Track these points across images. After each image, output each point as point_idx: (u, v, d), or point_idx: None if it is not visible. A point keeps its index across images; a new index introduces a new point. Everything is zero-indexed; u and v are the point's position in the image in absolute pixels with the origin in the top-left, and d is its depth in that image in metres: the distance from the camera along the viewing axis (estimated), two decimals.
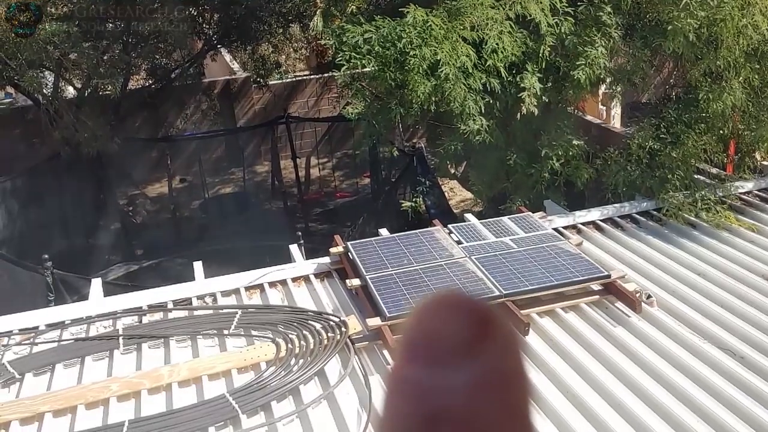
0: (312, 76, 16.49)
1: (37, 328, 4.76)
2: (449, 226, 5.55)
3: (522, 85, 6.15)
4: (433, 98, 6.12)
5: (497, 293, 4.46)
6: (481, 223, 5.62)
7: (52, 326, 4.77)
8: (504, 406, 0.43)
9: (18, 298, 6.60)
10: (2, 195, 10.02)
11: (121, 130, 11.59)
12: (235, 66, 15.82)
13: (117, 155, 11.28)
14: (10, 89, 12.71)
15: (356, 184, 14.08)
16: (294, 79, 16.33)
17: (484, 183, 7.49)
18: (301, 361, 4.09)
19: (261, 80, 13.96)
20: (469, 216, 6.04)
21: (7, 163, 11.36)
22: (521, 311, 4.32)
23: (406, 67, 6.02)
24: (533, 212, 5.80)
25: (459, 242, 5.24)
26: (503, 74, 6.12)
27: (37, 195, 10.51)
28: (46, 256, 7.16)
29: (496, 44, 6.06)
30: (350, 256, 5.14)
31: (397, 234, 5.48)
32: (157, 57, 11.83)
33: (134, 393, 3.96)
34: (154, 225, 12.56)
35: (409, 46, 5.99)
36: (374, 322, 4.28)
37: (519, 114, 6.92)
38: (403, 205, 7.74)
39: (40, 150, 12.00)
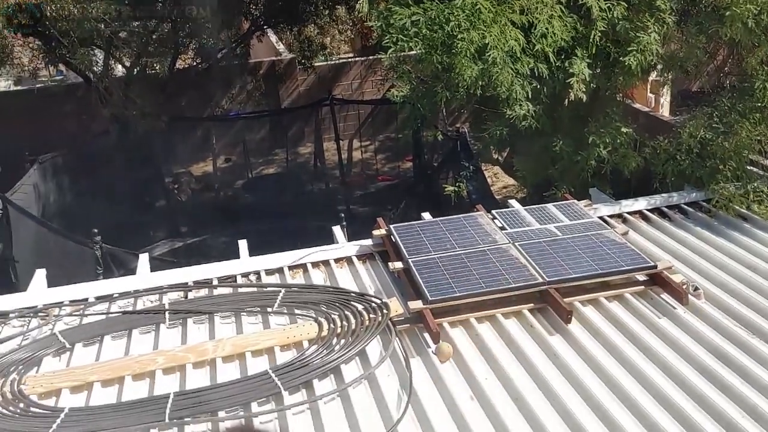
0: (357, 59, 16.48)
1: (86, 300, 4.89)
2: (493, 211, 5.51)
3: (571, 70, 6.04)
4: (480, 82, 6.06)
5: (540, 280, 4.42)
6: (525, 209, 5.57)
7: (100, 299, 4.89)
8: None
9: (68, 271, 6.78)
10: (53, 170, 10.28)
11: (168, 108, 11.76)
12: (281, 47, 15.90)
13: (164, 133, 11.46)
14: (61, 67, 12.98)
15: (398, 167, 14.08)
16: (338, 61, 16.37)
17: (529, 169, 7.42)
18: (342, 341, 4.12)
19: (306, 62, 14.01)
20: (512, 202, 5.99)
21: (58, 140, 11.63)
22: (564, 299, 4.28)
23: (454, 51, 5.96)
24: (578, 200, 5.72)
25: (502, 228, 5.20)
26: (552, 59, 6.02)
27: (86, 171, 10.74)
28: (96, 230, 7.34)
29: (546, 28, 5.97)
30: (393, 238, 5.15)
31: (440, 218, 5.47)
32: (205, 37, 11.95)
33: (179, 366, 4.05)
34: (198, 203, 12.75)
35: (457, 30, 5.93)
36: (416, 305, 4.29)
37: (567, 100, 6.82)
38: (446, 189, 7.71)
39: (90, 127, 12.26)
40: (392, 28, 6.19)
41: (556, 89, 6.40)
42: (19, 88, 13.55)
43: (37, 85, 13.91)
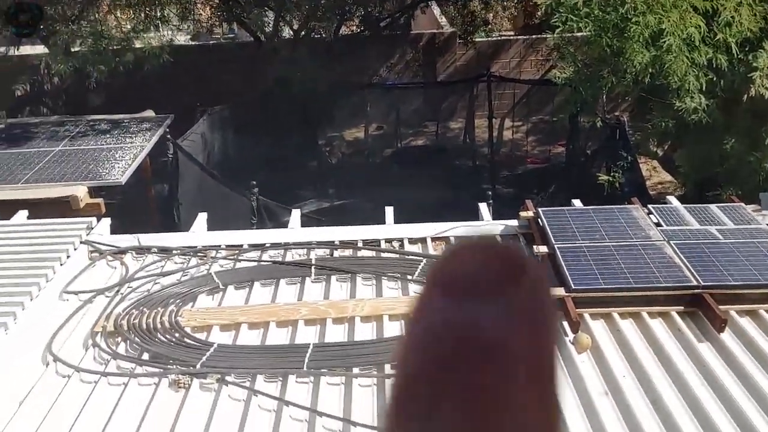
0: (518, 37, 16.13)
1: (241, 246, 5.20)
2: (649, 206, 5.26)
3: (755, 64, 5.61)
4: (650, 70, 5.78)
5: (694, 283, 4.19)
6: (684, 207, 5.28)
7: (253, 246, 5.18)
8: (532, 344, 0.43)
9: (225, 217, 7.24)
10: (220, 123, 10.94)
11: (328, 73, 12.12)
12: (443, 20, 15.86)
13: (322, 97, 11.84)
14: (234, 25, 13.70)
15: (548, 151, 13.72)
16: (499, 38, 16.09)
17: (692, 166, 7.01)
18: None
19: (466, 36, 13.90)
20: (671, 198, 5.69)
21: (226, 94, 12.32)
22: (719, 306, 4.04)
23: (626, 34, 5.71)
24: (746, 204, 5.33)
25: (658, 224, 4.96)
26: (734, 50, 5.62)
27: (248, 126, 11.33)
28: (254, 182, 7.76)
29: (732, 17, 5.57)
30: (540, 222, 5.06)
31: (591, 207, 5.30)
32: (371, 5, 12.15)
33: (320, 319, 4.22)
34: (347, 167, 13.10)
35: (632, 12, 5.68)
36: (558, 291, 4.20)
37: (746, 95, 6.34)
38: (599, 178, 7.44)
39: (255, 85, 12.88)
40: (562, 6, 6.03)
41: (735, 83, 5.98)
42: (195, 43, 14.44)
43: (211, 41, 14.79)
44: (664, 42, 5.52)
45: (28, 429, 3.44)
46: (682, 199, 6.34)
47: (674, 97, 5.86)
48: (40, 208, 6.38)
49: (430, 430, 0.42)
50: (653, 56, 5.62)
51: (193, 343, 4.01)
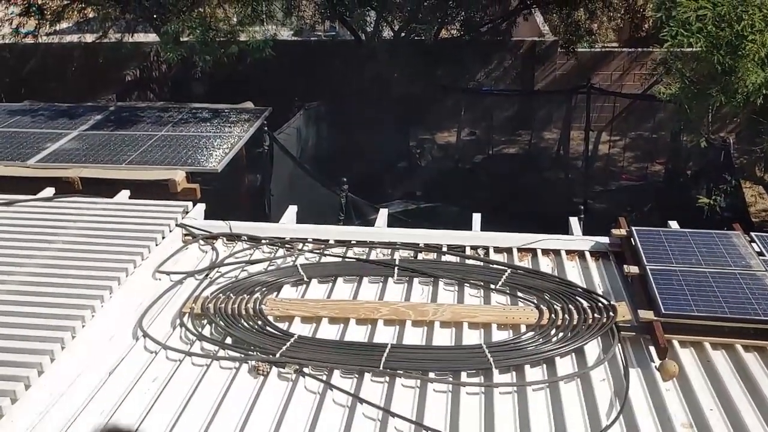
0: (623, 49, 15.68)
1: (327, 241, 5.27)
2: (753, 234, 5.00)
3: None
4: (764, 90, 5.49)
5: None
6: None
7: (339, 242, 5.24)
8: None
9: (314, 211, 7.36)
10: (316, 118, 11.14)
11: (425, 75, 12.15)
12: (545, 29, 15.61)
13: (417, 99, 11.88)
14: (336, 23, 13.92)
15: (645, 169, 13.28)
16: (602, 50, 15.68)
17: None
18: (561, 333, 4.03)
19: (569, 46, 13.62)
20: None
21: (323, 91, 12.54)
22: None
23: (740, 52, 5.46)
24: None
25: (760, 254, 4.71)
26: None
27: (342, 123, 11.49)
28: (344, 179, 7.87)
29: None
30: (632, 241, 4.89)
31: (688, 230, 5.09)
32: (473, 9, 12.09)
33: (399, 321, 4.23)
34: (436, 170, 13.09)
35: (749, 30, 5.41)
36: (646, 315, 4.05)
37: None
38: (699, 200, 7.14)
39: (353, 83, 13.05)
40: (673, 20, 5.81)
41: None
42: (297, 38, 14.76)
43: (313, 38, 15.09)
44: None
45: (114, 399, 3.60)
46: None
47: None
48: (141, 189, 6.67)
49: None
50: None
51: (274, 332, 4.09)
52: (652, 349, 3.94)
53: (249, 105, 9.81)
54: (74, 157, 7.95)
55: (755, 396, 3.61)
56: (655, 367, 3.80)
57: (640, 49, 14.60)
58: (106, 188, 6.39)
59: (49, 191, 6.06)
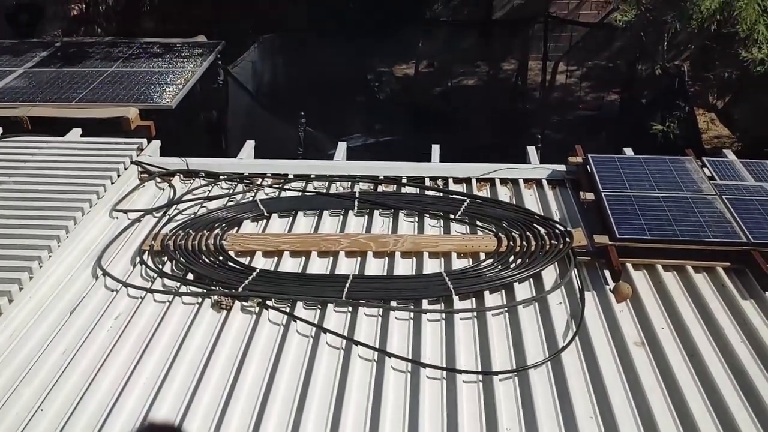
0: None
1: (286, 175, 5.24)
2: (704, 158, 5.12)
3: None
4: (718, 16, 5.53)
5: (744, 240, 4.10)
6: (741, 161, 5.12)
7: (298, 177, 5.22)
8: None
9: (272, 146, 7.27)
10: (271, 51, 10.87)
11: (383, 6, 11.89)
12: None
13: (374, 31, 11.64)
14: None
15: (602, 98, 13.35)
16: None
17: (752, 120, 6.76)
18: (519, 260, 4.12)
19: None
20: (728, 152, 5.52)
21: (277, 23, 12.20)
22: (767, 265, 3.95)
23: None
24: None
25: (711, 178, 4.84)
26: None
27: (298, 56, 11.24)
28: (302, 113, 7.75)
29: None
30: (588, 168, 4.97)
31: (642, 156, 5.18)
32: None
33: (360, 252, 4.26)
34: (395, 104, 12.97)
35: None
36: (601, 239, 4.16)
37: None
38: (653, 127, 7.24)
39: (308, 14, 12.71)
40: None
41: None
42: None
43: None
44: None
45: (77, 338, 3.59)
46: (739, 155, 6.14)
47: (741, 47, 5.62)
48: (92, 128, 6.49)
49: None
50: (722, 2, 5.37)
51: (236, 266, 4.10)
52: (606, 273, 4.06)
53: (202, 39, 9.51)
54: (21, 95, 7.66)
55: (704, 314, 3.76)
56: (610, 289, 3.93)
57: None
58: (56, 128, 6.20)
59: None
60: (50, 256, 4.16)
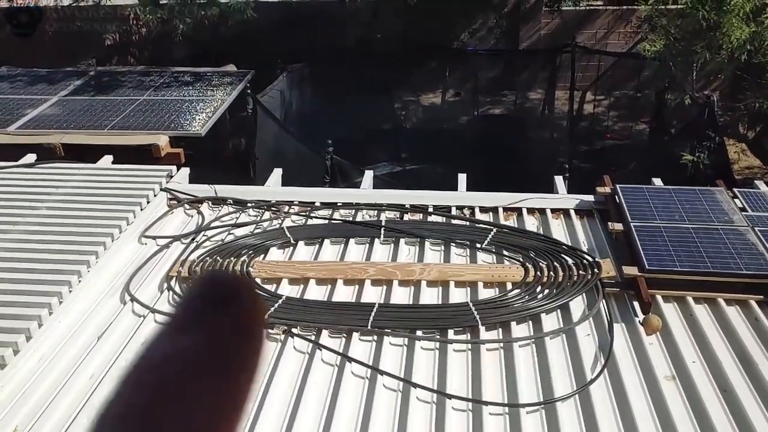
0: (607, 7, 15.55)
1: (313, 203, 5.27)
2: (735, 189, 5.05)
3: None
4: (749, 47, 5.49)
5: None
6: None
7: (325, 205, 5.24)
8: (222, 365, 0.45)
9: (299, 174, 7.34)
10: (300, 80, 11.01)
11: (408, 36, 12.01)
12: None
13: (400, 59, 11.76)
14: None
15: (630, 128, 13.29)
16: (587, 8, 15.55)
17: None
18: (546, 290, 4.08)
19: (554, 5, 13.51)
20: (759, 183, 5.44)
21: (306, 52, 12.37)
22: None
23: (725, 8, 5.43)
24: None
25: (743, 209, 4.77)
26: None
27: (326, 85, 11.37)
28: (330, 141, 7.82)
29: None
30: (617, 198, 4.93)
31: (672, 186, 5.13)
32: None
33: (386, 281, 4.25)
34: (421, 132, 13.03)
35: None
36: (630, 270, 4.10)
37: None
38: (683, 158, 7.17)
39: (337, 44, 12.88)
40: None
41: None
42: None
43: None
44: (766, 17, 5.23)
45: (104, 363, 3.61)
46: None
47: None
48: (123, 155, 6.60)
49: None
50: (753, 32, 5.34)
51: (262, 293, 4.10)
52: (636, 304, 4.00)
53: (231, 68, 9.68)
54: (55, 123, 7.84)
55: (737, 348, 3.68)
56: (639, 321, 3.86)
57: (624, 7, 14.48)
58: (88, 154, 6.32)
59: (30, 158, 5.99)
60: (80, 281, 4.21)
